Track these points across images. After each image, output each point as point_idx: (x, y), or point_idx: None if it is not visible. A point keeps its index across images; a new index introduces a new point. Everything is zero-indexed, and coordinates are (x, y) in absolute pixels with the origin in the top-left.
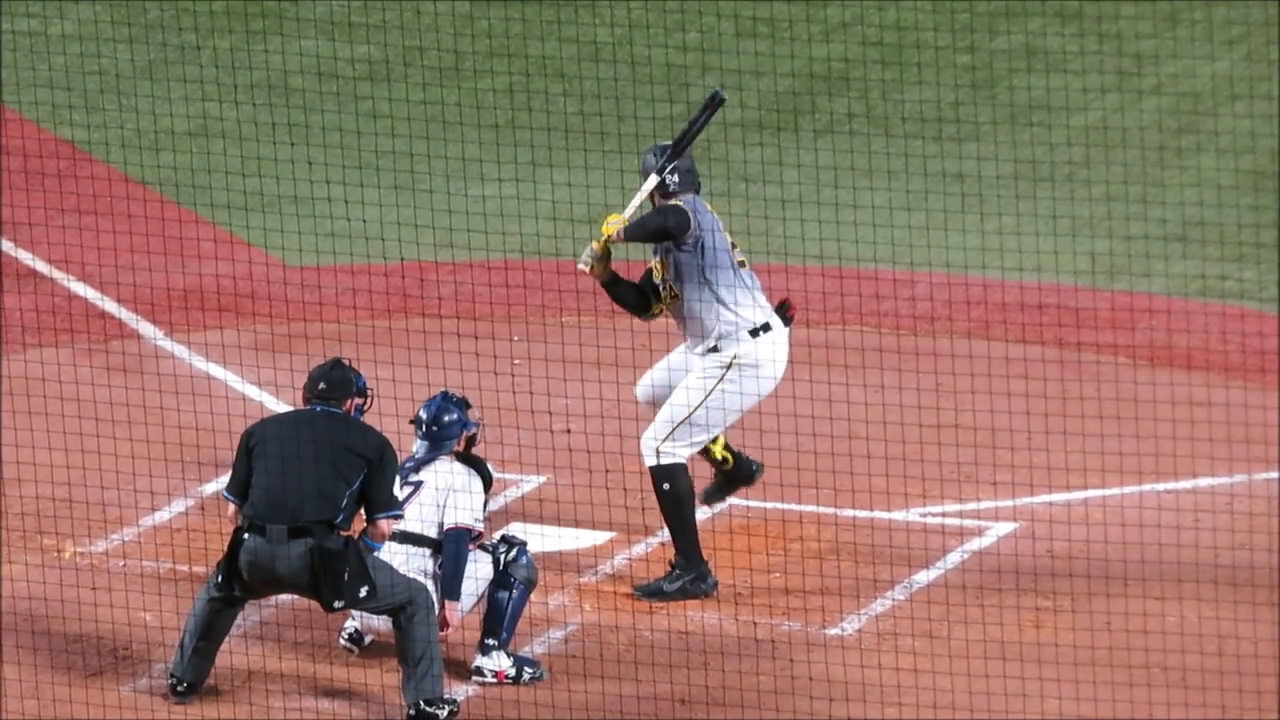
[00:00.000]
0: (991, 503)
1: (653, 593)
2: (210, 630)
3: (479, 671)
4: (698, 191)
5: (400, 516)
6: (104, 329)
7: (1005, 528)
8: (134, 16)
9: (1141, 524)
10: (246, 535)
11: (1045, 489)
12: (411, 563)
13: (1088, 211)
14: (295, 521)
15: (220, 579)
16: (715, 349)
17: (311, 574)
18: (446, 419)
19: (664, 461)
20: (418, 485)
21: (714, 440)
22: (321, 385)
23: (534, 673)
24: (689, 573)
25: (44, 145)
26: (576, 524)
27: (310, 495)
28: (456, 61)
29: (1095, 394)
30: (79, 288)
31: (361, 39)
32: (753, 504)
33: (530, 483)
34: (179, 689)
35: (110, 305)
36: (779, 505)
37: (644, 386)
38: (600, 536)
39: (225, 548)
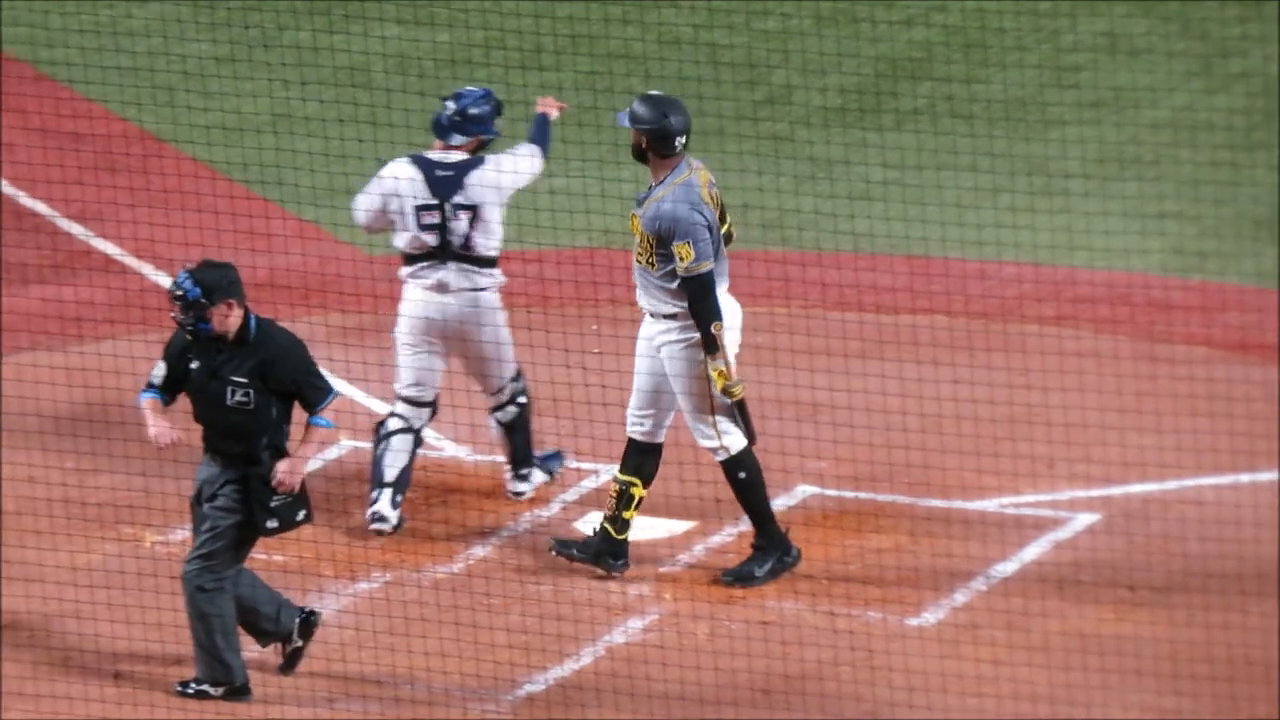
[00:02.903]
0: (1073, 493)
1: (743, 578)
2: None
3: (519, 494)
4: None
5: None
6: None
7: (1087, 519)
8: (213, 7)
9: (1224, 518)
10: None
11: (1127, 480)
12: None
13: (1170, 202)
14: None
15: None
16: (675, 315)
17: None
18: (473, 112)
19: (733, 452)
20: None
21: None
22: None
23: (560, 463)
24: (774, 552)
25: (118, 136)
26: (654, 514)
27: None
28: (531, 53)
29: (1177, 385)
30: (157, 277)
31: (441, 28)
32: (831, 493)
33: (608, 472)
34: (248, 685)
35: None
36: (859, 495)
37: (643, 413)
38: (678, 526)
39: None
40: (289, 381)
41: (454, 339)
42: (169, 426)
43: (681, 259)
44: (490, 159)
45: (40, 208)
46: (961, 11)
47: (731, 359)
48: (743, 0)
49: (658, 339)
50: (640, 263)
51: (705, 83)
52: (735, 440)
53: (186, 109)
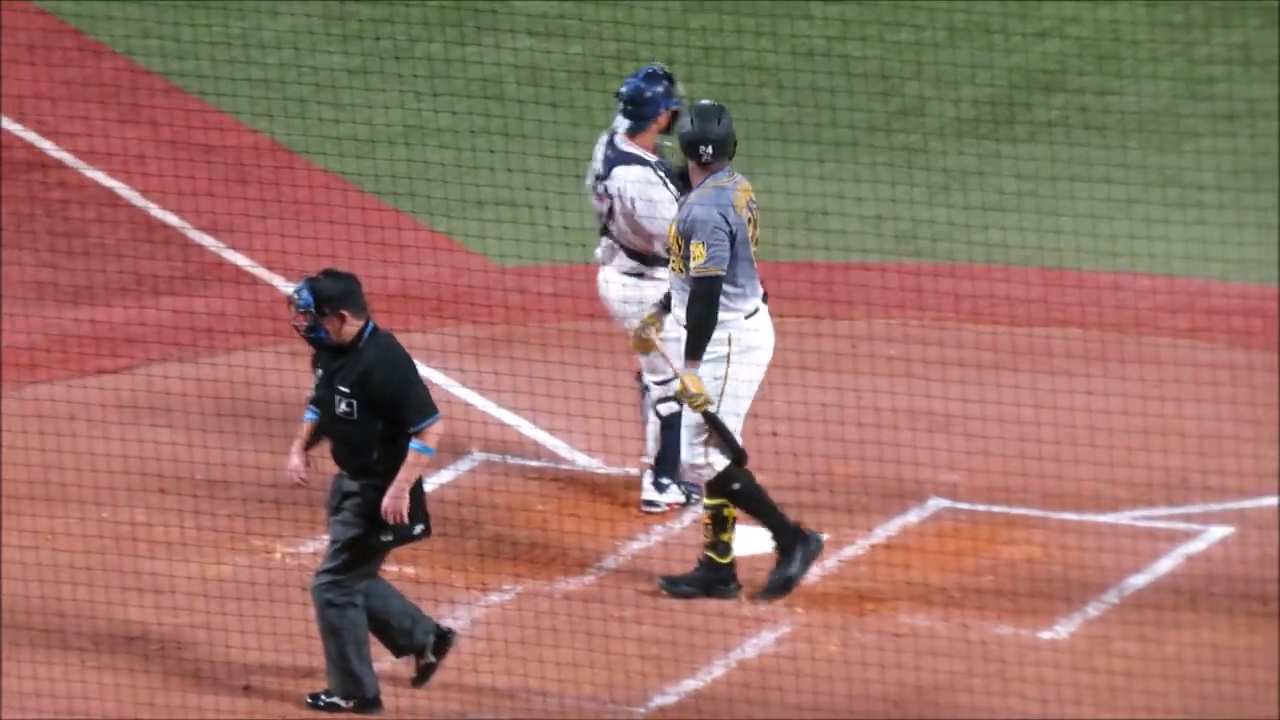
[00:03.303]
0: (1206, 506)
1: (783, 584)
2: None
3: (653, 504)
4: (731, 155)
5: None
6: None
7: (1219, 531)
8: (344, 19)
9: None
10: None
11: (1260, 493)
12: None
13: None
14: None
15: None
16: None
17: None
18: (645, 95)
19: (719, 469)
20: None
21: (726, 527)
22: None
23: (697, 496)
24: (795, 544)
25: (250, 148)
26: None
27: None
28: (664, 64)
29: None
30: (289, 289)
31: (573, 40)
32: (963, 506)
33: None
34: (379, 698)
35: None
36: (991, 508)
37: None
38: None
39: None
40: (386, 393)
41: (620, 317)
42: (302, 464)
43: (694, 258)
44: (635, 171)
45: (171, 219)
46: (1095, 23)
47: (741, 379)
48: (876, 11)
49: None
50: (674, 269)
51: (839, 94)
52: (719, 459)
53: (318, 120)
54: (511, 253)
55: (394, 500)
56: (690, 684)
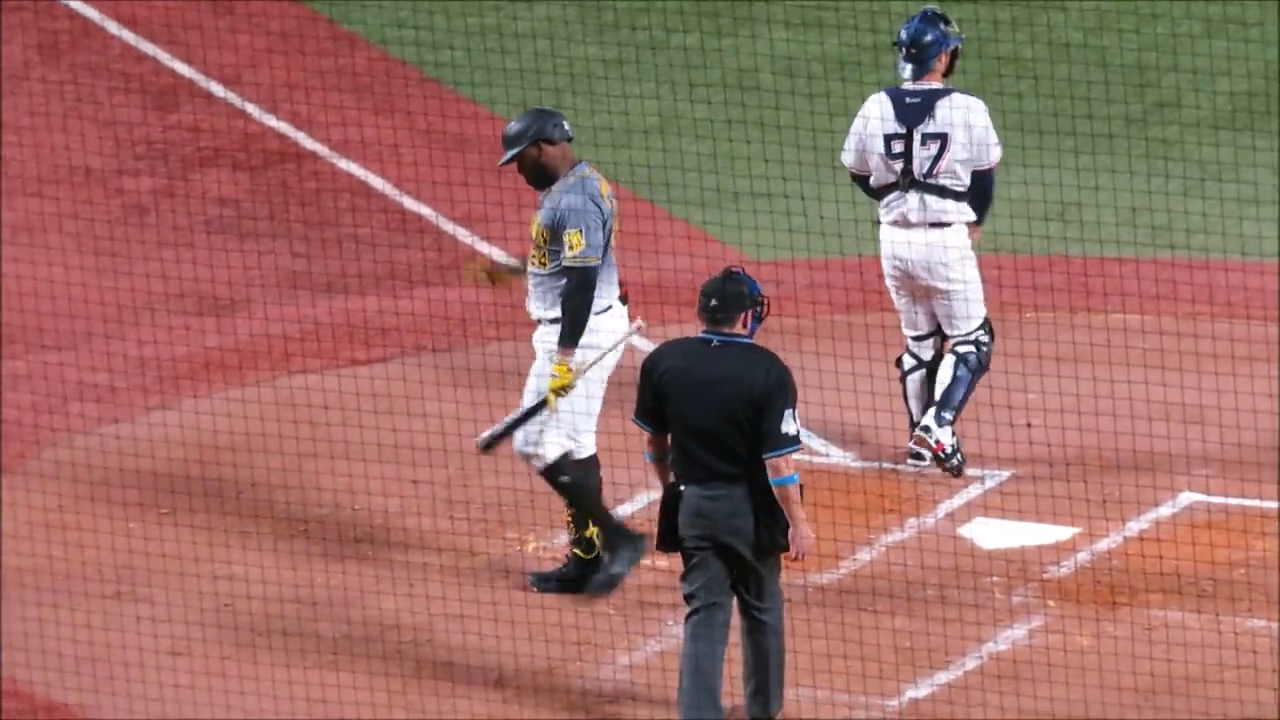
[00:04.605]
0: None
1: (609, 583)
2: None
3: (919, 457)
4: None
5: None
6: None
7: None
8: (600, 10)
9: None
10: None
11: None
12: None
13: None
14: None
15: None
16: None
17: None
18: (927, 38)
19: (550, 460)
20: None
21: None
22: (714, 303)
23: (962, 459)
24: (625, 546)
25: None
26: (1039, 519)
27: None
28: None
29: None
30: None
31: (830, 31)
32: (1216, 499)
33: (994, 478)
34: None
35: None
36: (1243, 501)
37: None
38: (1064, 532)
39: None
40: None
41: (919, 277)
42: None
43: (571, 247)
44: (961, 94)
45: (425, 210)
46: None
47: (595, 365)
48: (1132, 4)
49: (551, 343)
50: (533, 263)
51: (1095, 86)
52: (552, 449)
53: (573, 111)
54: (767, 244)
55: None
56: (943, 676)
